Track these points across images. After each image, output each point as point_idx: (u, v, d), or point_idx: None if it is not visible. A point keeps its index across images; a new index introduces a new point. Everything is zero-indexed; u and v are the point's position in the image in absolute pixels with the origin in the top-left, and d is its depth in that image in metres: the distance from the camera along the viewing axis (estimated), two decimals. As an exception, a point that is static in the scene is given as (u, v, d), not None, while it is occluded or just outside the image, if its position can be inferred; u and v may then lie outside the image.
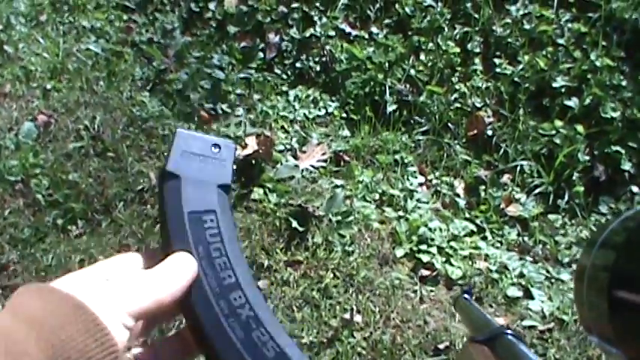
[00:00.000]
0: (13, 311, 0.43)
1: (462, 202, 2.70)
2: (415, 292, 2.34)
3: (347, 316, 2.22)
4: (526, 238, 2.62)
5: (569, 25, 3.05)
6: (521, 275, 2.45)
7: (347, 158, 2.76)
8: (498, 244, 2.60)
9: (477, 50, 3.09)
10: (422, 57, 3.06)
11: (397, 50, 3.04)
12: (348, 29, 3.16)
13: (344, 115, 2.96)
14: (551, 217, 2.69)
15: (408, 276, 2.39)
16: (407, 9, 3.16)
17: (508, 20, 3.11)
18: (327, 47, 3.09)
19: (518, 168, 2.79)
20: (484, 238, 2.60)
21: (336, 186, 2.62)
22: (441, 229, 2.54)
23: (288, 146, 2.77)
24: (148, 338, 0.57)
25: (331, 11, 3.18)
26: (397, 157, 2.80)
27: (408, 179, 2.74)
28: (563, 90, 2.90)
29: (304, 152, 2.74)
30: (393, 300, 2.29)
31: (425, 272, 2.40)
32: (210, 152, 0.57)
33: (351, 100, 2.98)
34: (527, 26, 3.06)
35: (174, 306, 0.51)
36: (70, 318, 0.42)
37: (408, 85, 3.00)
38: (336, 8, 3.18)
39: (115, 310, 0.45)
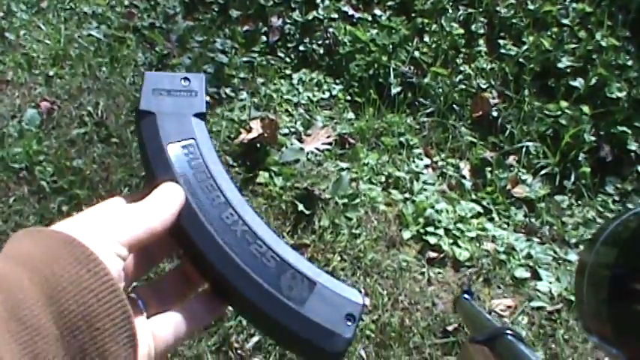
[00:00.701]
0: (4, 255, 0.43)
1: (468, 184, 2.69)
2: (423, 274, 2.33)
3: (355, 298, 2.21)
4: (533, 219, 2.61)
5: (574, 4, 3.03)
6: (529, 256, 2.44)
7: (352, 141, 2.74)
8: (505, 226, 2.59)
9: (481, 31, 3.07)
10: (426, 39, 3.05)
11: (401, 32, 3.02)
12: (351, 11, 3.15)
13: (348, 97, 2.95)
14: (557, 197, 2.68)
15: (415, 258, 2.38)
16: (410, -10, 3.15)
17: (512, 1, 3.09)
18: (330, 30, 3.08)
19: (524, 149, 2.78)
20: (491, 220, 2.59)
21: (342, 169, 2.61)
22: (447, 211, 2.53)
23: (292, 129, 2.76)
24: (149, 274, 0.58)
25: (334, -6, 3.17)
26: (402, 139, 2.79)
27: (413, 161, 2.73)
28: (568, 70, 2.89)
29: (309, 135, 2.73)
30: (401, 282, 2.29)
31: (432, 254, 2.39)
32: (181, 86, 0.57)
33: (355, 83, 2.97)
34: (531, 6, 3.04)
35: (167, 235, 0.51)
36: (61, 252, 0.42)
37: (412, 67, 2.99)
38: (339, -9, 3.16)
39: (106, 241, 0.45)
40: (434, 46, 3.03)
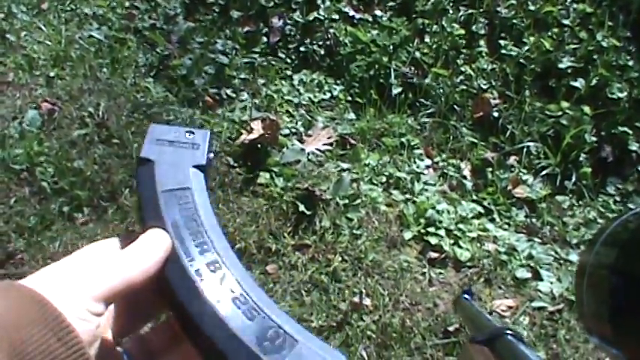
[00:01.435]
0: None
1: (469, 184, 2.69)
2: (424, 274, 2.33)
3: (356, 299, 2.21)
4: (534, 220, 2.61)
5: (575, 5, 3.03)
6: (530, 257, 2.44)
7: (353, 141, 2.74)
8: (506, 226, 2.59)
9: (482, 32, 3.07)
10: (426, 39, 3.05)
11: (401, 33, 3.02)
12: (351, 12, 3.15)
13: (349, 98, 2.95)
14: (558, 198, 2.68)
15: (416, 259, 2.38)
16: (411, -9, 3.15)
17: (513, 1, 3.09)
18: (331, 31, 3.08)
19: (525, 149, 2.78)
20: (492, 220, 2.59)
21: (343, 169, 2.61)
22: (448, 212, 2.53)
23: (293, 130, 2.76)
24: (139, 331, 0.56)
25: (335, -6, 3.17)
26: (403, 139, 2.79)
27: (414, 162, 2.73)
28: (569, 71, 2.89)
29: (310, 136, 2.73)
30: (402, 283, 2.29)
31: (433, 255, 2.39)
32: (184, 138, 0.57)
33: (356, 84, 2.97)
34: (532, 7, 3.04)
35: (152, 286, 0.49)
36: (32, 316, 0.40)
37: (412, 68, 2.99)
38: (340, -9, 3.16)
39: (79, 299, 0.43)
40: (435, 46, 3.03)
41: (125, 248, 0.49)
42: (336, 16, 3.12)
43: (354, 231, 2.39)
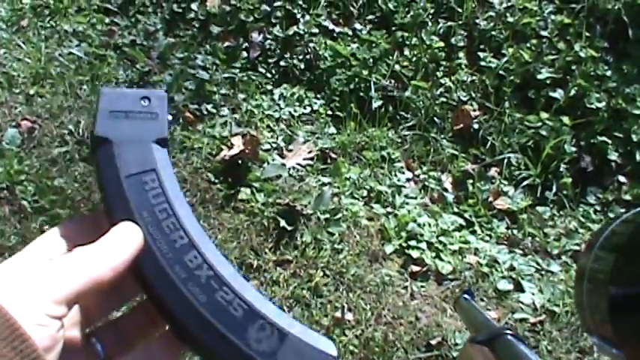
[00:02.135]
0: None
1: (450, 197, 2.70)
2: (406, 288, 2.34)
3: (338, 314, 2.21)
4: (515, 231, 2.62)
5: (553, 16, 3.06)
6: (512, 268, 2.45)
7: (334, 155, 2.75)
8: (487, 238, 2.60)
9: (461, 44, 3.09)
10: (406, 52, 3.06)
11: (381, 46, 3.03)
12: (331, 26, 3.15)
13: (329, 112, 2.95)
14: (539, 209, 2.69)
15: (398, 272, 2.39)
16: (390, 4, 3.16)
17: (491, 13, 3.11)
18: (311, 45, 3.08)
19: (506, 161, 2.79)
20: (473, 232, 2.60)
21: (324, 184, 2.61)
22: (429, 224, 2.54)
23: (274, 145, 2.76)
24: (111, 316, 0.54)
25: (314, 8, 3.17)
26: (384, 153, 2.79)
27: (395, 175, 2.74)
28: (548, 82, 2.91)
29: (290, 151, 2.73)
30: (384, 297, 2.29)
31: (415, 268, 2.40)
32: (140, 106, 0.52)
33: (337, 97, 2.97)
34: (510, 19, 3.06)
35: (126, 279, 0.46)
36: None
37: (392, 81, 2.99)
38: (319, 5, 3.16)
39: (37, 303, 0.40)
40: (414, 59, 3.04)
41: (92, 244, 0.46)
42: (316, 30, 3.12)
43: (336, 245, 2.39)
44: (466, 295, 1.07)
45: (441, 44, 3.05)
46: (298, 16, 3.16)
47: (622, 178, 2.76)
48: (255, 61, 3.11)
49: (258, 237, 2.41)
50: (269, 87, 3.04)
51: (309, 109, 2.94)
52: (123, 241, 0.46)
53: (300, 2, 3.18)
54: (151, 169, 0.50)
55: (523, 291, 2.39)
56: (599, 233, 0.47)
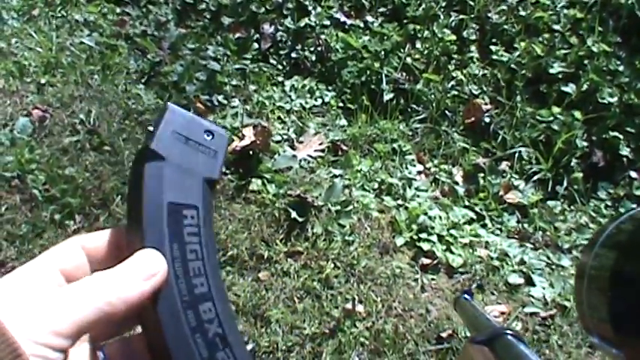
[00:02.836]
0: None
1: (460, 190, 2.69)
2: (416, 280, 2.33)
3: (349, 306, 2.21)
4: (526, 225, 2.62)
5: (565, 10, 3.05)
6: (522, 262, 2.44)
7: (345, 147, 2.74)
8: (498, 232, 2.59)
9: (473, 37, 3.08)
10: (418, 45, 3.06)
11: (393, 39, 3.03)
12: (342, 18, 3.15)
13: (341, 104, 2.95)
14: (550, 203, 2.69)
15: (408, 265, 2.38)
16: (402, -3, 3.16)
17: (504, 7, 3.10)
18: (323, 37, 3.08)
19: (517, 155, 2.79)
20: (484, 226, 2.59)
21: (335, 175, 2.61)
22: (440, 217, 2.53)
23: (285, 136, 2.76)
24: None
25: (326, 0, 3.17)
26: (395, 145, 2.79)
27: (406, 168, 2.73)
28: (560, 76, 2.90)
29: (301, 142, 2.73)
30: (395, 289, 2.29)
31: (426, 261, 2.39)
32: (202, 139, 0.50)
33: (348, 90, 2.97)
34: (522, 13, 3.05)
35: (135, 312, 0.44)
36: None
37: (404, 74, 2.99)
38: (331, -3, 3.17)
39: (38, 333, 0.39)
40: (426, 52, 3.03)
41: (112, 269, 0.44)
42: (328, 22, 3.12)
43: (346, 237, 2.39)
44: (466, 295, 1.07)
45: (453, 37, 3.05)
46: (310, 7, 3.16)
47: (633, 174, 2.75)
48: (266, 53, 3.11)
49: (269, 228, 2.40)
50: (280, 78, 3.03)
51: (320, 100, 2.94)
52: (146, 273, 0.44)
53: (312, -6, 3.18)
54: (194, 205, 0.48)
55: (534, 285, 2.38)
56: (600, 231, 0.46)
